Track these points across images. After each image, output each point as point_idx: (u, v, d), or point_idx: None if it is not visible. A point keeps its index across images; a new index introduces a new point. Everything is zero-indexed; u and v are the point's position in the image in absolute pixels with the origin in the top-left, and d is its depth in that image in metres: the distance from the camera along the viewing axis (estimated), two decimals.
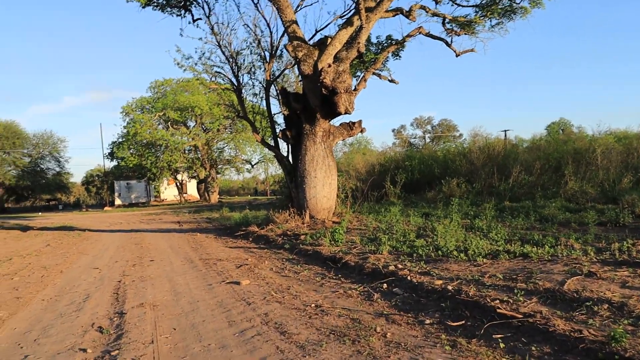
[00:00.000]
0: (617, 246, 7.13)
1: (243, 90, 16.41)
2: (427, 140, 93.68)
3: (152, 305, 6.56)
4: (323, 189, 14.93)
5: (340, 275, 7.83)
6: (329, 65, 13.43)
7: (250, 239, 14.11)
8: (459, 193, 20.20)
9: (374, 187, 22.44)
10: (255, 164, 54.14)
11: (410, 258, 8.16)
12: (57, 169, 75.01)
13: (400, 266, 7.48)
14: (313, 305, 6.00)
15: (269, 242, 12.89)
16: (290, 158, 16.45)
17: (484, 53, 21.92)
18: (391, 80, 19.59)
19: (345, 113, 14.44)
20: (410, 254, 8.49)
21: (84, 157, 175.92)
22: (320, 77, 13.34)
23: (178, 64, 16.03)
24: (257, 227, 15.44)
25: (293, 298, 6.49)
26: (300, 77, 15.83)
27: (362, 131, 16.15)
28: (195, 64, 16.19)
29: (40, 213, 53.79)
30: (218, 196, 53.87)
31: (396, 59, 20.51)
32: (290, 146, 16.49)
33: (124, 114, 50.77)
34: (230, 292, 7.08)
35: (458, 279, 6.31)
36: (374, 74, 17.93)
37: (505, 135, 48.66)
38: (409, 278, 6.67)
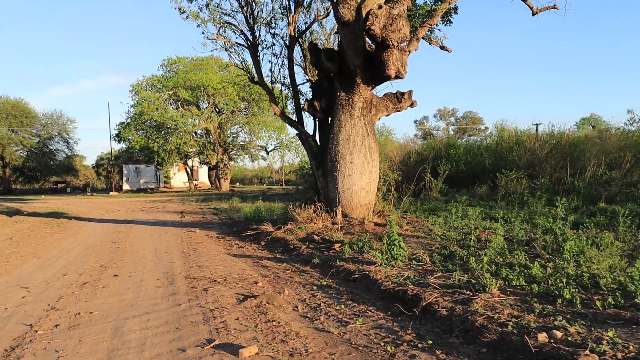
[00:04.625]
0: None
1: (259, 48, 12.67)
2: (451, 132, 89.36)
3: None
4: (361, 179, 11.20)
5: (431, 341, 4.10)
6: (380, 7, 9.65)
7: (263, 243, 10.45)
8: (520, 189, 16.37)
9: (409, 180, 18.70)
10: (270, 151, 50.43)
11: (552, 307, 4.42)
12: (66, 151, 72.54)
13: (558, 334, 3.72)
14: None
15: (288, 250, 9.21)
16: (317, 137, 12.74)
17: (564, 14, 17.80)
18: (442, 47, 15.73)
19: (396, 77, 10.71)
20: (546, 297, 4.75)
21: (99, 140, 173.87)
22: (367, 23, 9.57)
23: (179, 8, 12.33)
24: (272, 225, 11.78)
25: None
26: (336, 28, 12.11)
27: (412, 105, 12.37)
28: (200, 9, 12.48)
29: (43, 196, 50.92)
30: (230, 184, 50.39)
31: (446, 24, 16.53)
32: (317, 122, 12.78)
33: (134, 92, 47.40)
34: None
35: None
36: (423, 38, 14.07)
37: (537, 129, 44.53)
38: None
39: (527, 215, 10.84)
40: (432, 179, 18.79)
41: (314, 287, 6.20)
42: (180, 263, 8.46)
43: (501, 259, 6.36)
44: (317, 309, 5.25)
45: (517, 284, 5.24)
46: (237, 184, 69.58)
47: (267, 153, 51.03)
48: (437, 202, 16.08)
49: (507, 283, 5.28)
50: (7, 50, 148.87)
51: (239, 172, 76.46)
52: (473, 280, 5.37)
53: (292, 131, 49.87)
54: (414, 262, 6.74)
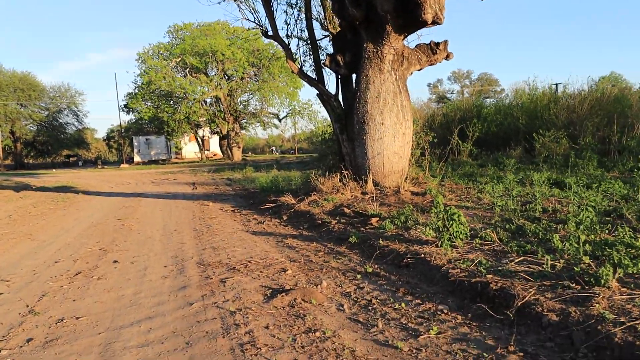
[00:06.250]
0: None
1: None
2: (466, 95, 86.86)
3: None
4: (394, 142, 9.85)
5: None
6: None
7: (285, 217, 9.23)
8: (561, 150, 14.91)
9: (434, 144, 17.33)
10: (283, 118, 48.85)
11: None
12: (76, 124, 71.68)
13: None
14: None
15: (315, 226, 7.97)
16: (340, 97, 11.36)
17: None
18: None
19: (434, 23, 9.23)
20: None
21: (109, 113, 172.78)
22: None
23: None
24: (294, 197, 10.52)
25: None
26: None
27: (447, 57, 10.89)
28: None
29: (54, 170, 50.31)
30: (242, 154, 49.14)
31: None
32: (340, 79, 11.37)
33: (140, 61, 45.84)
34: None
35: None
36: None
37: (556, 90, 42.32)
38: None
39: (585, 179, 9.44)
40: (460, 141, 17.36)
41: (358, 276, 4.95)
42: (192, 244, 7.27)
43: (593, 236, 5.04)
44: (369, 308, 4.01)
45: (636, 272, 3.94)
46: (250, 153, 68.36)
47: (280, 120, 49.56)
48: (470, 166, 14.69)
49: (622, 271, 3.97)
50: (16, 25, 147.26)
51: (251, 141, 75.17)
52: (575, 268, 4.07)
53: (305, 97, 48.25)
54: (476, 240, 5.45)
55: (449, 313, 3.79)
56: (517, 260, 4.56)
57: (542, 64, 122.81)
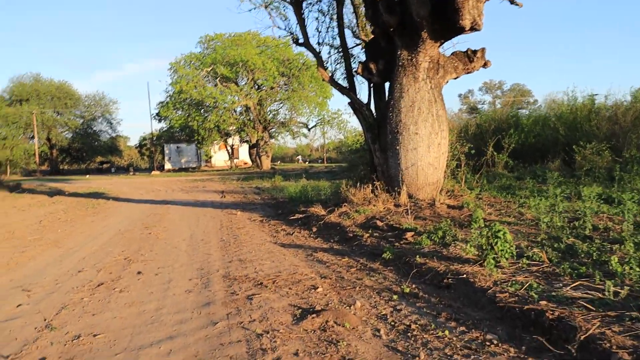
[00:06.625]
0: None
1: (303, 5, 10.95)
2: (498, 106, 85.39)
3: None
4: (428, 153, 9.44)
5: None
6: None
7: (315, 229, 8.89)
8: (602, 163, 14.18)
9: (468, 155, 16.74)
10: (312, 128, 48.72)
11: None
12: (110, 132, 73.31)
13: None
14: None
15: (347, 239, 7.61)
16: (372, 106, 11.03)
17: None
18: (512, 1, 13.61)
19: (472, 29, 8.84)
20: None
21: (142, 122, 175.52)
22: None
23: None
24: (323, 207, 10.20)
25: None
26: None
27: (485, 65, 10.45)
28: None
29: (87, 176, 51.31)
30: (271, 163, 49.17)
31: None
32: (373, 88, 11.05)
33: (172, 70, 46.46)
34: None
35: None
36: None
37: (594, 102, 41.03)
38: None
39: (636, 194, 8.83)
40: (495, 153, 16.76)
41: (394, 296, 4.58)
42: (219, 255, 7.01)
43: None
44: (408, 334, 3.64)
45: None
46: (278, 162, 68.52)
47: (309, 130, 49.46)
48: (506, 179, 14.12)
49: None
50: (56, 36, 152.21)
51: (280, 150, 75.36)
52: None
53: (334, 107, 48.14)
54: (523, 260, 5.02)
55: (500, 344, 3.38)
56: (572, 285, 4.12)
57: (575, 74, 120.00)
